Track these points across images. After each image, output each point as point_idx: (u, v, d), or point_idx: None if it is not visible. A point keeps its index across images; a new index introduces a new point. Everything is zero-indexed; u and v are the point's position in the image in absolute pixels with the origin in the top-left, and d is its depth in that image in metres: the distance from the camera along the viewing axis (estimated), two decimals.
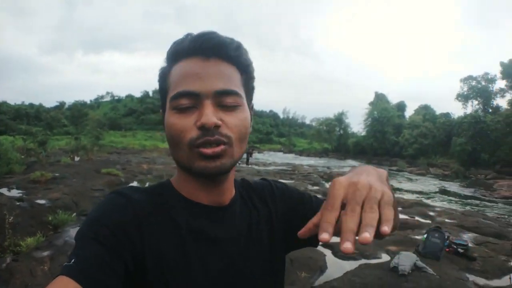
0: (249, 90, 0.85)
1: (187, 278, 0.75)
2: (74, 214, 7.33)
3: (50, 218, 6.61)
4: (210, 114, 0.73)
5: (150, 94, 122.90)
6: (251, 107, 0.87)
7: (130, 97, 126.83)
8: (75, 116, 64.81)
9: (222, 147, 0.75)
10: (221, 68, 0.77)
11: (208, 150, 0.74)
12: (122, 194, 0.79)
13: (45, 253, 5.01)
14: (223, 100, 0.76)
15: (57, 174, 12.14)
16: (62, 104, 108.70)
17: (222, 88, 0.76)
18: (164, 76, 0.83)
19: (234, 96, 0.78)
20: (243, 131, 0.79)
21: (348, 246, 0.50)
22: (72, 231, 5.99)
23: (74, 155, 20.36)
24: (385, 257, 5.87)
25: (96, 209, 0.76)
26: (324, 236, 0.53)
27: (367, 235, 0.50)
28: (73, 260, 0.65)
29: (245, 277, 0.84)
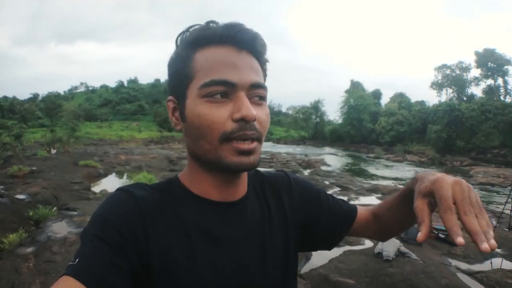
0: None
1: (194, 278, 0.73)
2: (55, 208, 7.21)
3: (31, 213, 6.51)
4: (250, 106, 0.70)
5: (125, 84, 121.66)
6: None
7: (104, 87, 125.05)
8: (49, 108, 63.45)
9: (255, 143, 0.73)
10: (252, 61, 0.76)
11: (245, 146, 0.71)
12: (127, 191, 0.76)
13: (29, 250, 4.93)
14: (256, 93, 0.74)
15: (34, 168, 11.98)
16: (35, 96, 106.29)
17: (257, 81, 0.74)
18: (183, 61, 0.76)
19: (264, 90, 0.76)
20: (267, 127, 0.78)
21: (485, 246, 0.57)
22: (54, 226, 5.93)
23: (50, 147, 19.99)
24: (368, 244, 5.95)
25: (101, 207, 0.74)
26: (460, 240, 0.58)
27: (493, 243, 0.57)
28: (77, 260, 0.64)
29: (256, 276, 0.81)
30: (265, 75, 0.81)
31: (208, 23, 0.77)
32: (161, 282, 0.71)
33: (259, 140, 0.74)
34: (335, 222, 0.98)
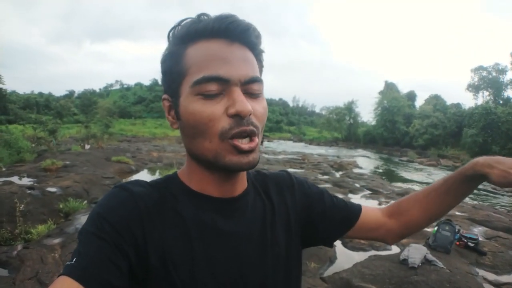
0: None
1: (192, 275, 0.72)
2: (85, 201, 7.40)
3: (61, 206, 6.68)
4: (245, 101, 0.69)
5: (159, 82, 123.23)
6: None
7: (139, 85, 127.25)
8: (84, 105, 65.09)
9: (256, 141, 0.72)
10: (245, 54, 0.74)
11: (245, 145, 0.70)
12: (125, 188, 0.75)
13: (56, 241, 5.06)
14: (250, 87, 0.73)
15: (68, 162, 12.30)
16: (71, 92, 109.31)
17: (251, 76, 0.72)
18: (175, 57, 0.75)
19: (259, 83, 0.75)
20: (265, 120, 0.77)
21: None
22: (83, 218, 6.03)
23: (84, 143, 20.53)
24: (395, 249, 5.82)
25: (98, 205, 0.73)
26: None
27: None
28: (75, 259, 0.64)
29: (256, 274, 0.79)
30: (261, 66, 0.81)
31: (199, 16, 0.75)
32: (160, 280, 0.70)
33: (257, 135, 0.73)
34: (338, 218, 0.99)
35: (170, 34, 0.78)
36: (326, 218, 0.97)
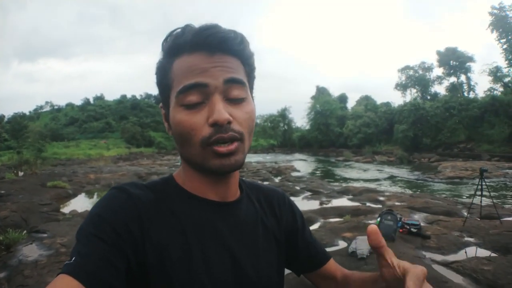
0: (251, 80, 0.85)
1: (190, 274, 0.73)
2: (25, 231, 7.04)
3: (1, 238, 6.34)
4: (222, 110, 0.72)
5: (91, 101, 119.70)
6: (252, 97, 0.86)
7: (70, 105, 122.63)
8: (15, 129, 61.58)
9: (235, 144, 0.74)
10: (226, 61, 0.76)
11: (223, 149, 0.73)
12: (123, 190, 0.77)
13: (1, 275, 4.81)
14: (231, 92, 0.75)
15: (3, 192, 11.65)
16: (1, 117, 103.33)
17: (230, 77, 0.75)
18: (164, 70, 0.80)
19: (241, 86, 0.77)
20: (251, 124, 0.79)
21: None
22: (25, 249, 5.78)
23: (17, 170, 19.55)
24: (342, 244, 6.00)
25: (97, 205, 0.74)
26: None
27: None
28: (74, 258, 0.64)
29: (250, 276, 0.82)
30: (251, 70, 0.84)
31: (184, 28, 0.78)
32: (157, 280, 0.71)
33: (239, 140, 0.76)
34: (310, 253, 1.01)
35: (162, 44, 0.81)
36: (299, 247, 1.00)
